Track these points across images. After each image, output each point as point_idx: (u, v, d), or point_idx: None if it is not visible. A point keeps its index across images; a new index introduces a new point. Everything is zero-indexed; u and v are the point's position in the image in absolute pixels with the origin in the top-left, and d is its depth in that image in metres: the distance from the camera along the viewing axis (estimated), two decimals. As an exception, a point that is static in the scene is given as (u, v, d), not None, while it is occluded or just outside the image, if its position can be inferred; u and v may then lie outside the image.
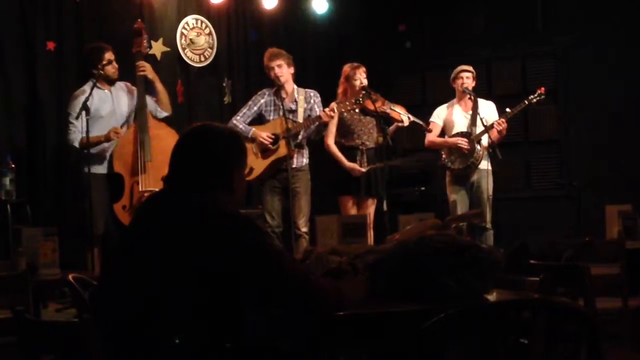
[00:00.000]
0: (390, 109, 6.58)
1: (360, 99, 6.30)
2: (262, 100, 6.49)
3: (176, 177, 2.53)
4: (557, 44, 8.69)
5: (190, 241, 2.32)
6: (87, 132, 5.81)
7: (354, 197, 6.63)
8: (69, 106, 6.10)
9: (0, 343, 3.76)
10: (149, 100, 6.34)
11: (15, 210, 6.06)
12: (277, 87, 6.45)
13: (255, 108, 6.49)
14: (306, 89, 6.56)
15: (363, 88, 6.42)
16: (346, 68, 6.64)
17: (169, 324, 2.29)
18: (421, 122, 6.76)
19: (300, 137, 6.42)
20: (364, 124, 6.62)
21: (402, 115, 6.56)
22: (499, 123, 6.69)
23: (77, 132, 6.00)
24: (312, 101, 6.49)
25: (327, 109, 6.25)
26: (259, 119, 6.49)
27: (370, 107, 6.41)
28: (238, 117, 6.44)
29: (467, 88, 6.88)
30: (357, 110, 6.51)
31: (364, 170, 6.47)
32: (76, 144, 6.02)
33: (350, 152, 6.60)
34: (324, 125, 6.43)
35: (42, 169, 6.77)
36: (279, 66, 6.37)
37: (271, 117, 6.43)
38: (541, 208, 8.48)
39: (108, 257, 4.78)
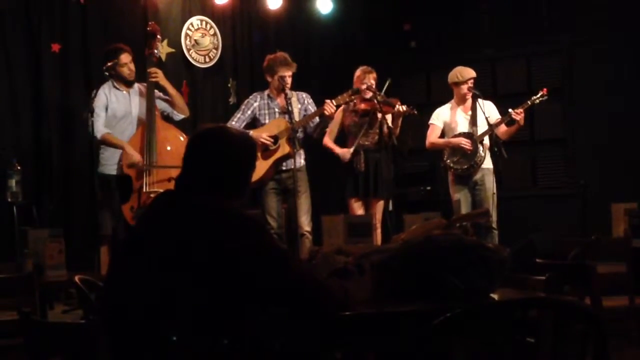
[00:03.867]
0: (383, 102, 6.54)
1: (358, 90, 6.34)
2: (255, 104, 6.49)
3: (190, 177, 2.52)
4: (562, 42, 8.66)
5: (198, 242, 2.32)
6: (92, 131, 5.83)
7: (360, 198, 6.64)
8: (92, 101, 6.04)
9: (7, 345, 3.78)
10: (162, 102, 6.34)
11: (22, 211, 6.08)
12: (272, 90, 6.44)
13: (249, 112, 6.49)
14: (297, 92, 6.56)
15: (368, 89, 6.46)
16: (358, 71, 6.66)
17: (175, 324, 2.29)
18: (410, 110, 6.62)
19: (299, 136, 6.43)
20: (360, 126, 6.63)
21: (398, 107, 6.53)
22: (517, 113, 6.64)
23: (101, 126, 6.02)
24: (305, 102, 6.51)
25: (326, 104, 6.24)
26: (252, 124, 6.49)
27: (366, 107, 6.47)
28: (233, 122, 6.43)
29: (472, 88, 6.85)
30: (355, 112, 6.56)
31: (348, 155, 6.49)
32: (98, 136, 5.98)
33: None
34: (325, 124, 6.44)
35: (48, 170, 6.79)
36: (290, 76, 6.38)
37: (266, 120, 6.44)
38: (547, 207, 8.47)
39: (115, 257, 4.79)
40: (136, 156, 5.98)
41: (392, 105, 6.58)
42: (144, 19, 7.14)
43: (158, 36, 6.40)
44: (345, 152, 6.57)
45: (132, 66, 6.22)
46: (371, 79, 6.56)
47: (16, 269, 4.60)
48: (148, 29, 6.42)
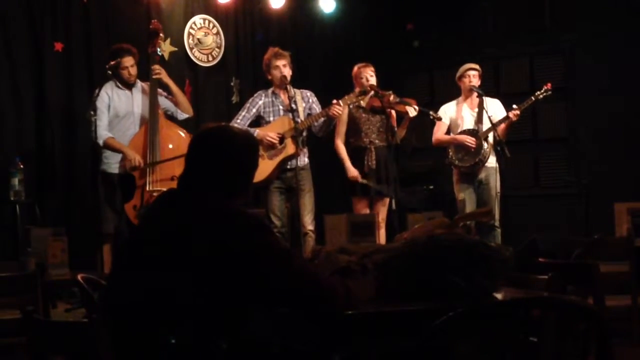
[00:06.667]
0: (398, 102, 6.52)
1: (365, 91, 6.32)
2: (260, 102, 6.47)
3: (192, 176, 2.52)
4: (564, 41, 8.66)
5: (200, 241, 2.32)
6: (95, 133, 5.83)
7: (366, 198, 6.61)
8: (94, 100, 6.05)
9: (10, 343, 3.78)
10: (166, 100, 6.34)
11: (24, 210, 6.09)
12: (276, 87, 6.44)
13: (254, 110, 6.46)
14: (301, 90, 6.56)
15: (370, 87, 6.43)
16: (355, 68, 6.65)
17: (177, 323, 2.29)
18: (430, 112, 6.68)
19: (304, 134, 6.42)
20: (372, 123, 6.60)
21: (408, 108, 6.51)
22: (515, 114, 6.66)
23: (103, 130, 6.02)
24: (309, 100, 6.50)
25: (333, 105, 6.23)
26: (256, 122, 6.48)
27: (377, 104, 6.44)
28: (238, 121, 6.40)
29: (474, 86, 6.88)
30: (363, 109, 6.54)
31: (356, 175, 6.48)
32: (100, 142, 6.00)
33: (359, 152, 6.58)
34: (331, 123, 6.42)
35: (51, 169, 6.79)
36: (284, 66, 6.37)
37: (271, 118, 6.42)
38: (550, 206, 8.46)
39: (117, 256, 4.79)
40: (137, 159, 5.97)
41: (410, 105, 6.55)
42: (147, 18, 7.14)
43: (161, 34, 6.41)
44: (354, 172, 6.53)
45: (132, 70, 6.19)
46: (369, 72, 6.55)
47: (19, 268, 4.60)
48: (151, 27, 6.42)
